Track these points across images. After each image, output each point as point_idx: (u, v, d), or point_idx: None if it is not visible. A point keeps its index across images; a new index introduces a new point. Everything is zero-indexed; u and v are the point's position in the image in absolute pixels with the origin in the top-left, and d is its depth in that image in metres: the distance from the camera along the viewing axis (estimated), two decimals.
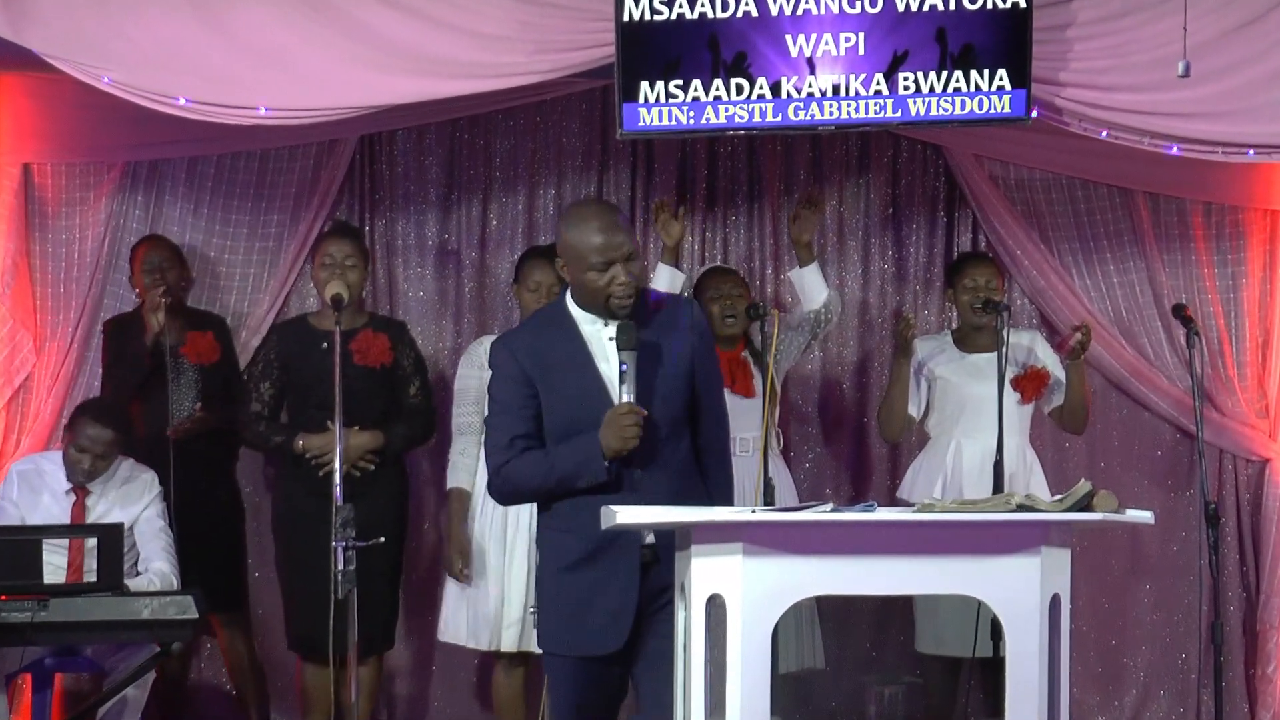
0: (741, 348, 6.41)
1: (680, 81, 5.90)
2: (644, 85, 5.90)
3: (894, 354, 6.38)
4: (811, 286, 6.41)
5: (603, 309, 4.35)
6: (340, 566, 5.33)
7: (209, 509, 6.43)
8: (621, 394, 4.26)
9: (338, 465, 5.61)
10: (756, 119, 5.92)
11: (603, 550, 4.31)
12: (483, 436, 6.29)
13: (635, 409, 4.24)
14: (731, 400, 6.37)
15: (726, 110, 5.92)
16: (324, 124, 6.14)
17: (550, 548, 4.41)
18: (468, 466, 6.28)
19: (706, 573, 3.98)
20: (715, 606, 3.99)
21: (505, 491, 4.43)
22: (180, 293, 6.58)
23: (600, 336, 4.37)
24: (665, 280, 6.31)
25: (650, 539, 4.30)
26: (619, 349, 4.30)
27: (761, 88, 5.90)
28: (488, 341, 6.44)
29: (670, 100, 5.91)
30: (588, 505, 4.27)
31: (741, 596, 3.94)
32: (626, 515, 4.06)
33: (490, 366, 4.45)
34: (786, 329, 6.38)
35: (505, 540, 6.21)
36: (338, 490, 5.54)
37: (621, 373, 4.25)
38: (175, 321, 6.44)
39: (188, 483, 6.24)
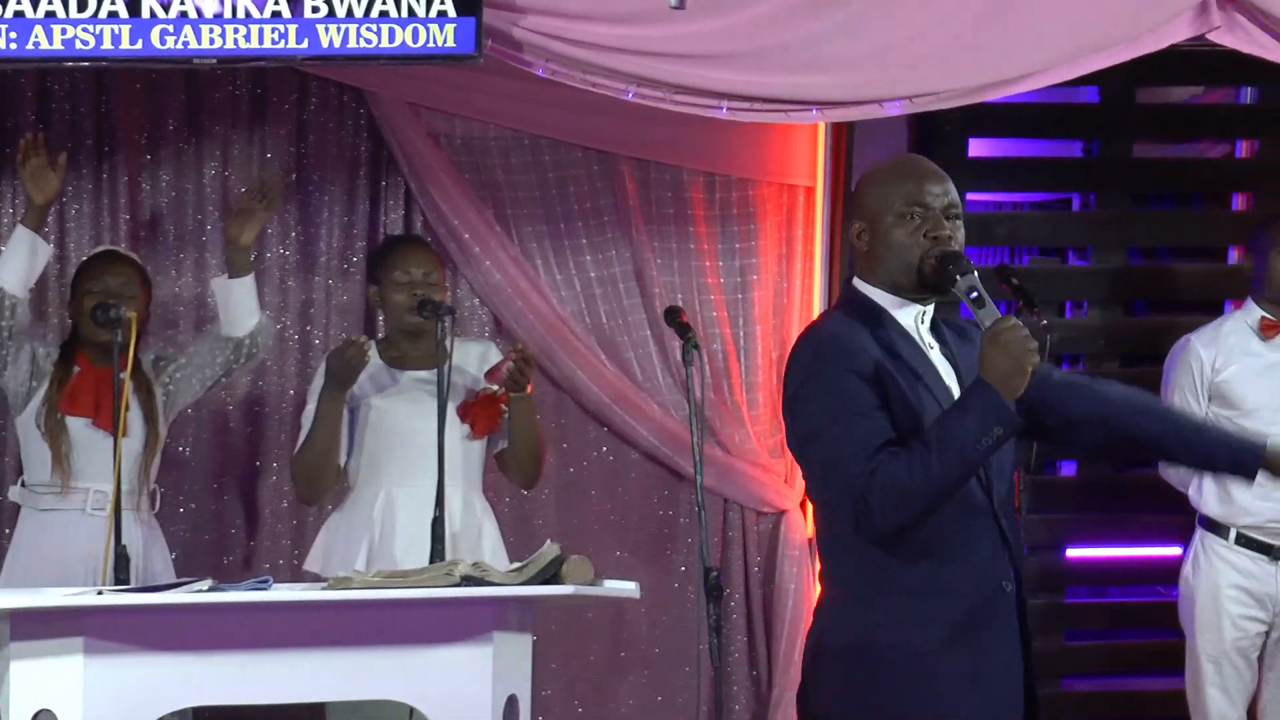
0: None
1: None
2: None
3: (325, 385, 6.33)
4: (241, 304, 6.40)
5: (913, 274, 4.40)
6: None
7: None
8: (983, 319, 4.33)
9: None
10: (107, 46, 5.90)
11: (981, 609, 4.36)
12: None
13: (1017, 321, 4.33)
14: (93, 436, 6.27)
15: (64, 33, 5.89)
16: None
17: (901, 627, 4.33)
18: None
19: (31, 681, 3.90)
20: None
21: (887, 506, 4.24)
22: None
23: (924, 331, 4.47)
24: (25, 253, 6.17)
25: (1011, 584, 4.41)
26: (961, 274, 4.36)
27: (114, 3, 5.88)
28: None
29: None
30: (960, 548, 4.31)
31: (82, 713, 3.88)
32: None
33: (813, 368, 4.34)
34: (188, 356, 6.39)
35: None
36: None
37: (977, 296, 4.34)
38: None
39: None
